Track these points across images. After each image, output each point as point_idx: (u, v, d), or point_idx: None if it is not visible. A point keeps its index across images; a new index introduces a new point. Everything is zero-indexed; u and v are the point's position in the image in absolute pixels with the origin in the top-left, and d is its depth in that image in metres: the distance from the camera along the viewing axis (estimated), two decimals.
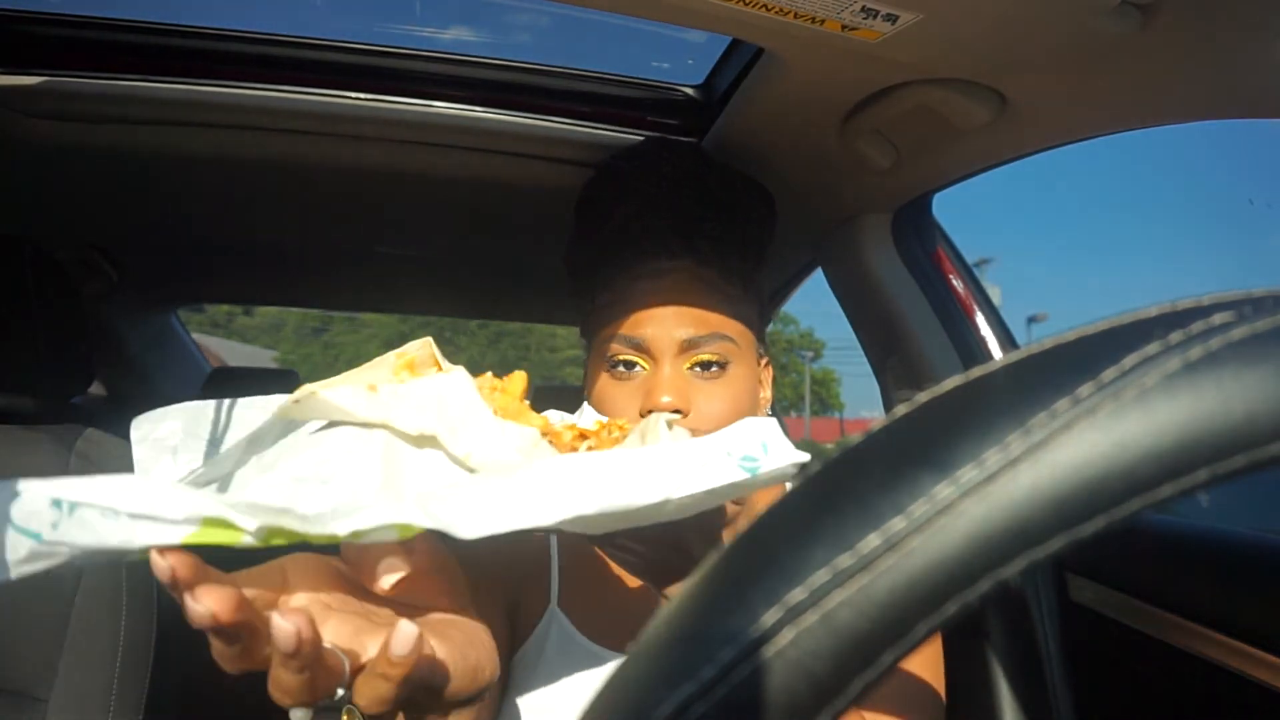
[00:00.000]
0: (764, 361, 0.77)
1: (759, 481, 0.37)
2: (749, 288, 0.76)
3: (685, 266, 0.71)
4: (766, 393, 0.77)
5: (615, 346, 0.70)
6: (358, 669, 0.34)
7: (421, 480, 0.39)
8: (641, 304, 0.70)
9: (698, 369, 0.69)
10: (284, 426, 0.43)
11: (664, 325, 0.69)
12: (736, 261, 0.75)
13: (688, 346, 0.68)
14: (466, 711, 0.40)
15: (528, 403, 0.46)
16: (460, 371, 0.42)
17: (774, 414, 1.85)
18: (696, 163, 0.82)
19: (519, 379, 0.46)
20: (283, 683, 0.31)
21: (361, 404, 0.40)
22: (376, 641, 0.34)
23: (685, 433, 0.44)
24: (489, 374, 0.47)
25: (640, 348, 0.69)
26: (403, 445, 0.40)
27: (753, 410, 0.72)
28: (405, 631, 0.32)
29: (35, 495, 0.28)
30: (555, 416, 0.51)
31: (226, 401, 0.46)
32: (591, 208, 0.81)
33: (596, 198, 0.81)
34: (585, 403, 0.54)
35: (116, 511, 0.28)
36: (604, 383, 0.70)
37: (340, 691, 0.33)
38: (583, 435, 0.47)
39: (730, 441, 0.37)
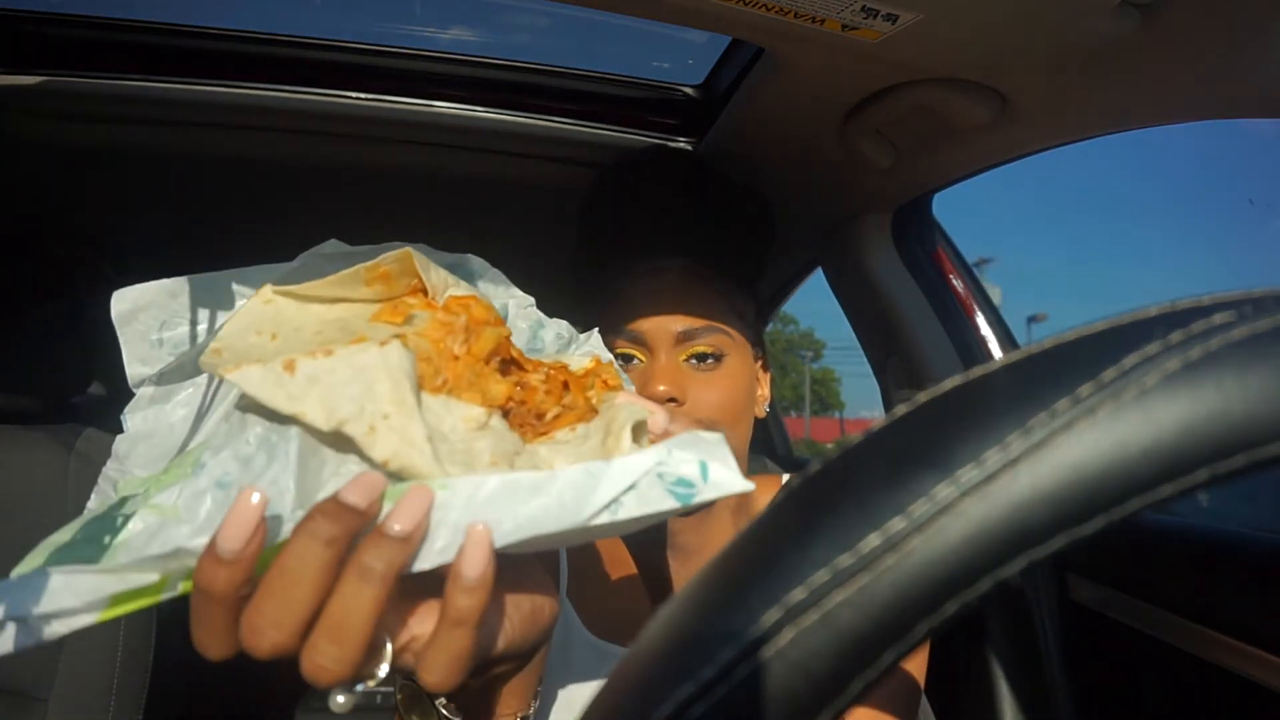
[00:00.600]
0: (761, 362, 0.79)
1: (691, 508, 0.32)
2: (746, 289, 0.78)
3: (682, 265, 0.74)
4: (764, 391, 0.79)
5: (614, 340, 0.72)
6: (399, 650, 0.31)
7: (329, 477, 0.34)
8: (639, 300, 0.72)
9: (694, 361, 0.71)
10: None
11: (660, 319, 0.71)
12: (733, 262, 0.77)
13: (683, 338, 0.70)
14: (527, 664, 0.38)
15: (496, 363, 0.40)
16: (395, 346, 0.35)
17: (773, 414, 1.85)
18: (694, 168, 0.85)
19: (488, 338, 0.40)
20: (322, 658, 0.29)
21: (272, 392, 0.34)
22: (416, 615, 0.32)
23: (664, 425, 0.40)
24: (464, 318, 0.40)
25: (638, 341, 0.71)
26: (319, 444, 0.35)
27: (749, 406, 0.74)
28: (476, 540, 0.29)
29: None
30: (555, 333, 0.49)
31: (202, 278, 0.43)
32: (593, 212, 0.83)
33: (598, 203, 0.83)
34: (597, 328, 0.53)
35: (24, 619, 0.29)
36: None
37: (382, 672, 0.31)
38: (565, 385, 0.42)
39: (667, 460, 0.32)
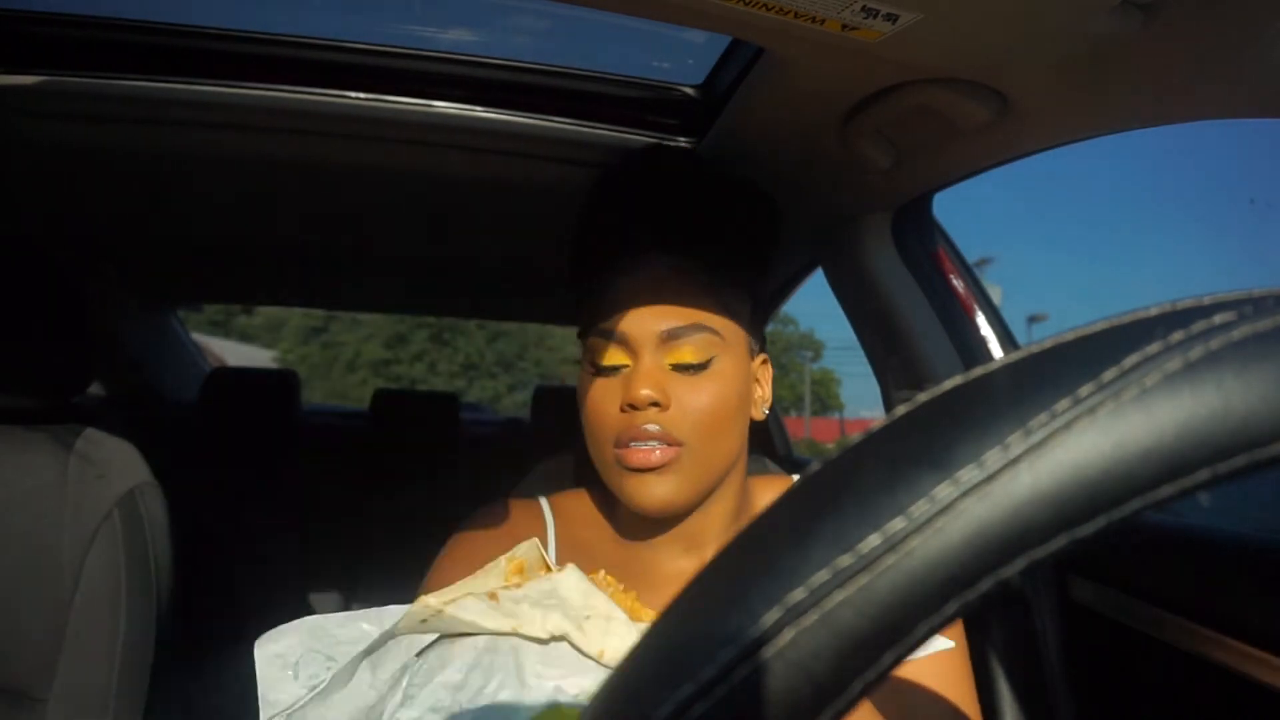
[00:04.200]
0: (760, 359, 0.75)
1: None
2: (740, 284, 0.74)
3: (666, 261, 0.70)
4: (765, 392, 0.76)
5: (597, 343, 0.69)
6: None
7: (557, 678, 0.42)
8: (621, 299, 0.69)
9: (680, 368, 0.68)
10: (406, 642, 0.46)
11: (643, 318, 0.67)
12: (724, 257, 0.73)
13: (668, 338, 0.67)
14: None
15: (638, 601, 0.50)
16: (571, 569, 0.45)
17: (773, 414, 1.85)
18: (685, 165, 0.83)
19: (629, 597, 0.50)
20: None
21: (489, 615, 0.42)
22: None
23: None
24: (602, 572, 0.52)
25: (621, 342, 0.68)
26: (532, 648, 0.42)
27: (740, 410, 0.70)
28: None
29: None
30: None
31: (341, 616, 0.49)
32: (585, 213, 0.81)
33: (590, 203, 0.82)
34: None
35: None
36: (587, 381, 0.70)
37: None
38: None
39: None
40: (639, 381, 0.66)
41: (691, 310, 0.68)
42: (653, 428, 0.65)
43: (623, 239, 0.72)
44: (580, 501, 0.78)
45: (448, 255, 1.68)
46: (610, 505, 0.76)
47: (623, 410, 0.66)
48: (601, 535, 0.74)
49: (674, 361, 0.67)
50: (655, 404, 0.65)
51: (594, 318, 0.70)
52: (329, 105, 0.91)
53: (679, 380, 0.67)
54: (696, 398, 0.67)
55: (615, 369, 0.68)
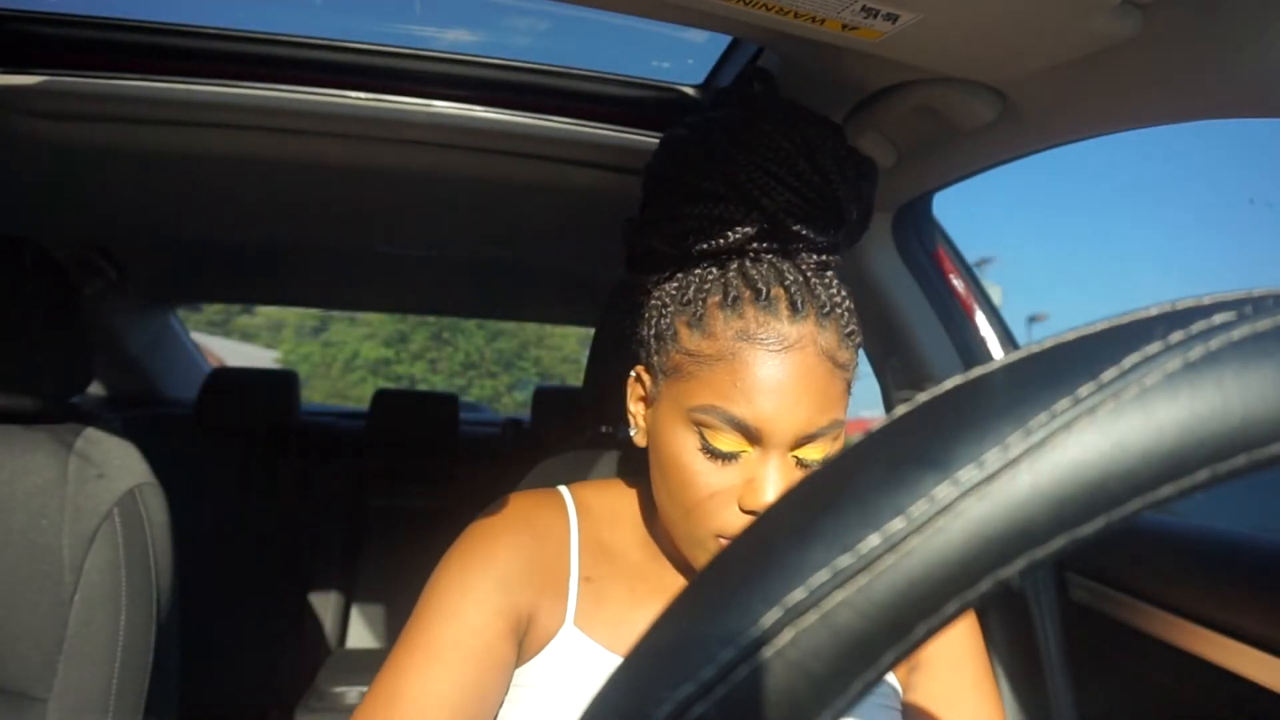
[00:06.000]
0: None
1: None
2: (857, 344, 0.62)
3: (808, 330, 0.58)
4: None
5: (712, 421, 0.58)
6: None
7: None
8: (757, 377, 0.57)
9: (803, 464, 0.59)
10: None
11: (783, 413, 0.57)
12: (847, 314, 0.61)
13: (804, 440, 0.58)
14: None
15: None
16: None
17: None
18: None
19: None
20: None
21: None
22: None
23: None
24: None
25: (749, 434, 0.58)
26: None
27: None
28: None
29: None
30: None
31: None
32: (712, 248, 0.62)
33: (707, 202, 0.62)
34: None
35: None
36: (693, 459, 0.60)
37: None
38: None
39: None
40: (769, 485, 0.57)
41: (832, 402, 0.58)
42: None
43: (756, 287, 0.59)
44: (604, 498, 0.72)
45: (448, 255, 1.68)
46: (641, 508, 0.71)
47: (743, 510, 0.58)
48: (627, 538, 0.70)
49: (800, 456, 0.59)
50: None
51: (707, 380, 0.59)
52: (329, 105, 0.91)
53: (799, 475, 0.60)
54: None
55: (734, 455, 0.59)
